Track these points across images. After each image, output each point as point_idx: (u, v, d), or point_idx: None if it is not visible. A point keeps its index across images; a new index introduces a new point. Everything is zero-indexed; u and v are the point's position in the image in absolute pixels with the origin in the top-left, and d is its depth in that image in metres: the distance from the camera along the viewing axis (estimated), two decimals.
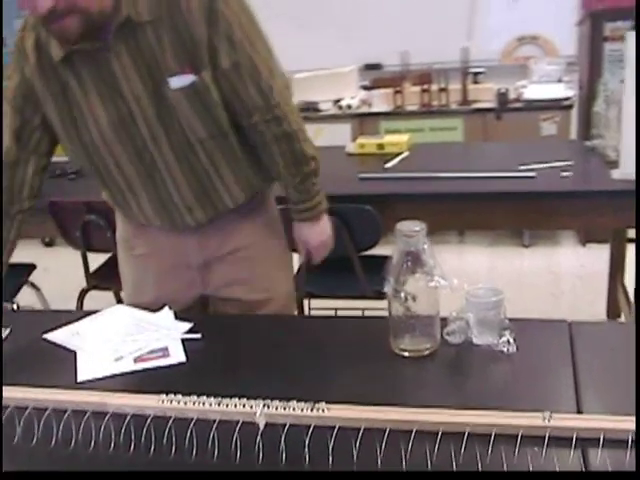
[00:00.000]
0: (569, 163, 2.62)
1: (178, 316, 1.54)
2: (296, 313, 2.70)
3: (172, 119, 1.46)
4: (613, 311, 3.24)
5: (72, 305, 2.94)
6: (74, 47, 1.40)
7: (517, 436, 0.98)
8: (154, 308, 1.58)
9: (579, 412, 1.07)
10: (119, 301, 3.01)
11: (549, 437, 0.97)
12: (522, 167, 2.60)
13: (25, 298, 3.11)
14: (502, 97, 4.28)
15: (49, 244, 4.69)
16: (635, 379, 1.12)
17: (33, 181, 1.55)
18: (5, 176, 1.52)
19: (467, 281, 1.27)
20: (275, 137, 1.53)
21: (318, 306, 2.85)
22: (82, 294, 2.93)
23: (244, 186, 1.61)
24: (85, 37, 1.37)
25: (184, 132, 1.48)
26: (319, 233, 1.72)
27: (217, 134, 1.51)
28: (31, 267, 3.08)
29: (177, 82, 1.43)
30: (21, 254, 3.13)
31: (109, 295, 3.00)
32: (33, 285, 3.14)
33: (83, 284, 2.92)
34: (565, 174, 2.51)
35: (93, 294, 2.94)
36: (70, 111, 1.47)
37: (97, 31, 1.38)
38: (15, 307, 2.85)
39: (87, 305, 2.92)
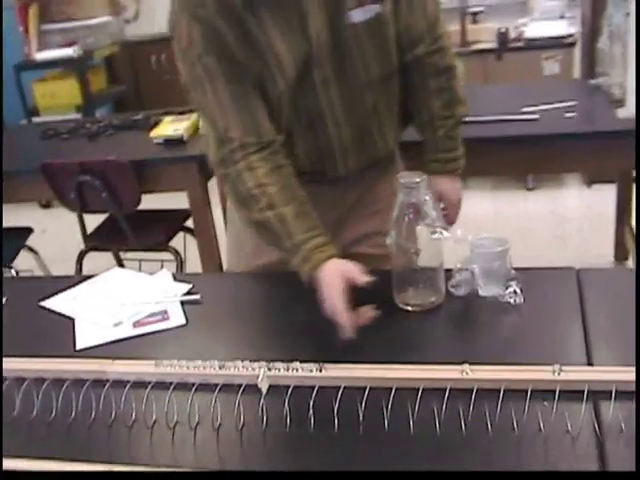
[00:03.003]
0: (573, 103, 2.57)
1: (177, 278, 1.52)
2: None
3: (345, 60, 1.38)
4: (620, 253, 3.22)
5: (71, 267, 2.93)
6: None
7: (527, 391, 0.97)
8: (273, 270, 1.50)
9: (589, 364, 1.05)
10: (120, 264, 3.00)
11: (560, 391, 0.95)
12: (525, 109, 2.55)
13: (24, 262, 3.09)
14: (502, 37, 4.18)
15: (46, 206, 4.66)
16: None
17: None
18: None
19: (471, 228, 1.25)
20: (437, 70, 1.49)
21: None
22: (81, 256, 2.91)
23: (395, 133, 1.56)
24: None
25: (356, 73, 1.40)
26: (459, 189, 1.63)
27: (387, 74, 1.45)
28: (28, 230, 3.06)
29: (359, 15, 1.35)
30: (18, 217, 3.13)
31: (108, 256, 2.99)
32: (31, 249, 3.13)
33: (81, 245, 2.91)
34: (569, 115, 2.46)
35: (92, 255, 2.92)
36: (252, 55, 1.34)
37: None
38: (14, 273, 2.84)
39: (86, 266, 2.91)
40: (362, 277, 1.18)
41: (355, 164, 1.52)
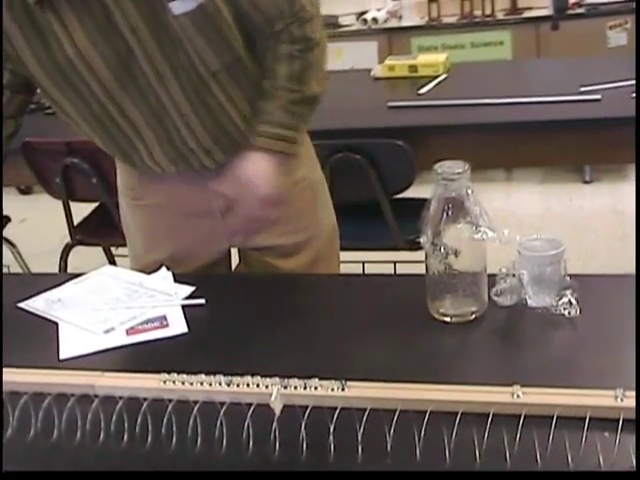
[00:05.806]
0: None
1: (178, 279, 1.53)
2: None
3: (178, 52, 1.44)
4: None
5: (54, 263, 2.94)
6: None
7: (584, 419, 0.96)
8: (170, 266, 1.59)
9: None
10: (111, 261, 3.01)
11: (623, 420, 0.95)
12: (584, 88, 2.54)
13: None
14: (560, 2, 4.17)
15: (26, 192, 4.69)
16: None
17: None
18: None
19: (517, 227, 1.24)
20: (291, 39, 1.50)
21: (342, 259, 2.83)
22: (66, 250, 2.93)
23: None
24: None
25: (194, 66, 1.46)
26: (263, 169, 1.54)
27: (232, 62, 1.49)
28: (5, 219, 3.08)
29: (180, 7, 1.40)
30: None
31: (97, 251, 3.00)
32: (8, 241, 3.15)
33: (67, 238, 2.92)
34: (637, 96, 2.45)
35: (79, 250, 2.94)
36: (55, 60, 1.43)
37: None
38: None
39: (72, 263, 2.92)
40: None
41: (222, 157, 1.57)
